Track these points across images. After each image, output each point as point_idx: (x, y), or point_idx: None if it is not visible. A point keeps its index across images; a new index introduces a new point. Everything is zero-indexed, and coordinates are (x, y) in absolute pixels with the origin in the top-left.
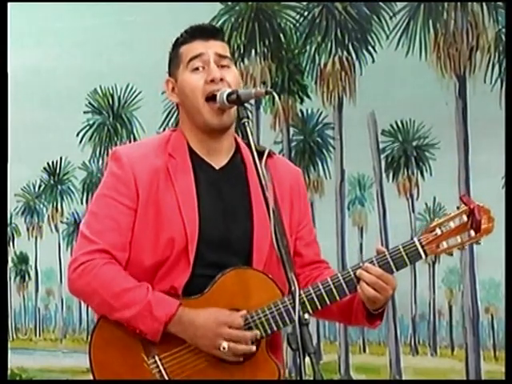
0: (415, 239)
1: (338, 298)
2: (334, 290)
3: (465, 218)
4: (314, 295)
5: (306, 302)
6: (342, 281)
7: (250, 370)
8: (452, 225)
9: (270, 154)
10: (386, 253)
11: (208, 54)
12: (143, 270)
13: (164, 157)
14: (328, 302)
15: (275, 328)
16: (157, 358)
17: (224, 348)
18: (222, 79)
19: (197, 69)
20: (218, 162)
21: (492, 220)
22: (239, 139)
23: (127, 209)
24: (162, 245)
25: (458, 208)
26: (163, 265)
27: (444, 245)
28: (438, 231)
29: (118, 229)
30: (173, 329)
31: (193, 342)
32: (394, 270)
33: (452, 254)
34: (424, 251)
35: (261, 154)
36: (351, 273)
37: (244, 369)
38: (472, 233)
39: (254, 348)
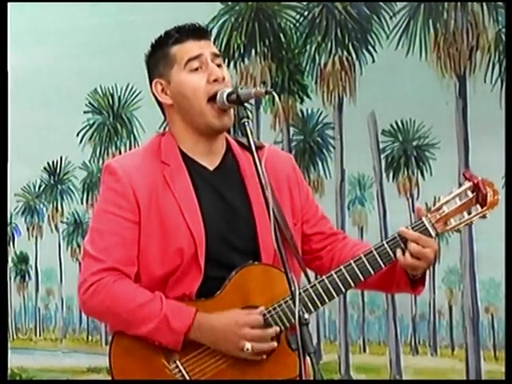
0: (424, 218)
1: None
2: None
3: (469, 193)
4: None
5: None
6: (376, 255)
7: (272, 365)
8: (458, 201)
9: (261, 147)
10: (396, 234)
11: (205, 55)
12: (154, 280)
13: (158, 165)
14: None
15: (293, 320)
16: (178, 362)
17: (248, 349)
18: (223, 78)
19: (195, 69)
20: (212, 162)
21: (497, 193)
22: (228, 137)
23: (130, 222)
24: (170, 255)
25: (460, 185)
26: (174, 273)
27: (452, 222)
28: (445, 209)
29: (124, 243)
30: (193, 336)
31: (214, 346)
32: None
33: (460, 231)
34: (434, 229)
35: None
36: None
37: (266, 365)
38: (478, 208)
39: (275, 344)
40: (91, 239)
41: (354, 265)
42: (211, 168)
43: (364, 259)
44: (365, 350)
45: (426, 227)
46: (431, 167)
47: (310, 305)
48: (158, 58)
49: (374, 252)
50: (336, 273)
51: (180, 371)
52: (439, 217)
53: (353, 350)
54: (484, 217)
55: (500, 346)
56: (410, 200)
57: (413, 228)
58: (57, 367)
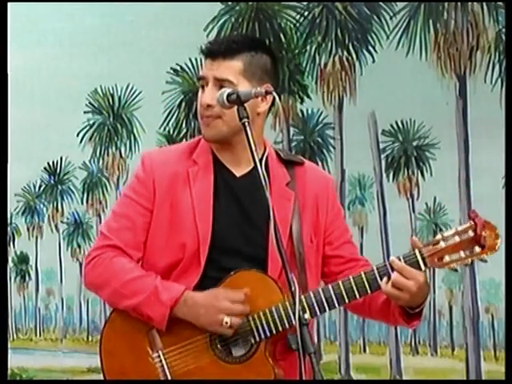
0: (416, 251)
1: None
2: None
3: (471, 233)
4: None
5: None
6: (353, 284)
7: (247, 370)
8: (457, 239)
9: (300, 163)
10: (386, 262)
11: (207, 78)
12: (158, 270)
13: (187, 162)
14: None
15: (274, 331)
16: (160, 352)
17: (227, 322)
18: (209, 105)
19: (202, 87)
20: (240, 170)
21: (497, 237)
22: (270, 148)
23: (143, 209)
24: (174, 248)
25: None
26: (177, 267)
27: (447, 258)
28: (442, 244)
29: (133, 228)
30: (179, 313)
31: (197, 322)
32: None
33: (457, 270)
34: (424, 263)
35: (289, 162)
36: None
37: (241, 369)
38: (477, 249)
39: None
40: (107, 220)
41: (341, 285)
42: (238, 175)
43: (352, 281)
44: (365, 350)
45: (417, 259)
46: (431, 167)
47: (291, 318)
48: None
49: (363, 276)
50: (323, 291)
51: (160, 361)
52: (434, 251)
53: (353, 350)
54: (483, 260)
55: (500, 346)
56: (410, 200)
57: (404, 259)
58: (57, 367)
